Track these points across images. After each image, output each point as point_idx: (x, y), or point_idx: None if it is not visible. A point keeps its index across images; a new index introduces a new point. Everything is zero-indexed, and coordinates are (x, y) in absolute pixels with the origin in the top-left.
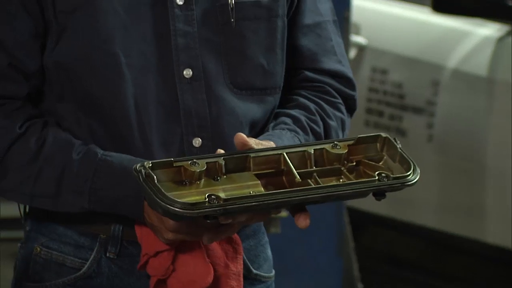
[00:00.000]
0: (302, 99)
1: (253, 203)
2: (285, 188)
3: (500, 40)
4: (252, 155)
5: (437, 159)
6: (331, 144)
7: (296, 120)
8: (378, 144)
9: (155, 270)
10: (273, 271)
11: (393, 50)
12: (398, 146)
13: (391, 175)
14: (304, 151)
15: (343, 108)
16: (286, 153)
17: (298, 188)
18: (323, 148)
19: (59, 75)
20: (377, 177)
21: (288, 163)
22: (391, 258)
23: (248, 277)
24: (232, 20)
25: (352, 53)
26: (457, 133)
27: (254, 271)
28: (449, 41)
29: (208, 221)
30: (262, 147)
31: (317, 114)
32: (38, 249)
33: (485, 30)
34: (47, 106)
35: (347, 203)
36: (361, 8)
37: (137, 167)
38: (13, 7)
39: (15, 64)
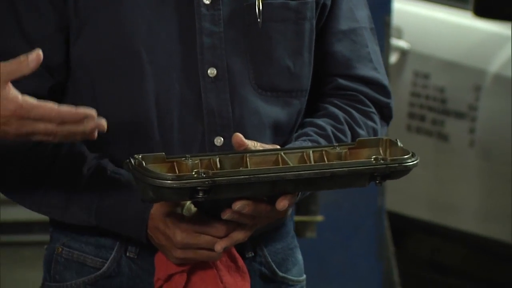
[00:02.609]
0: (331, 108)
1: (243, 176)
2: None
3: None
4: (248, 154)
5: (479, 164)
6: (331, 147)
7: (321, 130)
8: (381, 148)
9: None
10: (304, 276)
11: (435, 54)
12: (399, 144)
13: (389, 158)
14: (303, 152)
15: (376, 117)
16: (283, 153)
17: (291, 166)
18: (323, 150)
19: (79, 72)
20: (373, 160)
21: (286, 161)
22: (433, 264)
23: (275, 280)
24: (259, 20)
25: (394, 57)
26: (499, 138)
27: (281, 274)
28: (491, 46)
29: (197, 197)
30: (260, 148)
31: (345, 124)
32: (60, 249)
33: None
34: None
35: (388, 207)
36: (404, 12)
37: (127, 160)
38: (38, 1)
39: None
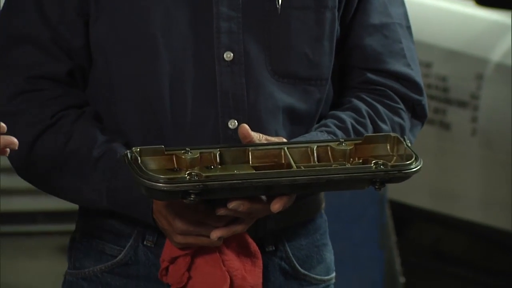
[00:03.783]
0: (356, 101)
1: (235, 181)
2: None
3: None
4: (251, 148)
5: (481, 153)
6: (337, 142)
7: (341, 122)
8: (388, 145)
9: (172, 278)
10: (331, 275)
11: (437, 43)
12: (405, 143)
13: (389, 163)
14: (307, 147)
15: (404, 114)
16: (287, 148)
17: (287, 170)
18: (328, 145)
19: (97, 55)
20: (373, 165)
21: (288, 156)
22: (435, 252)
23: (296, 276)
24: (278, 7)
25: None
26: (501, 127)
27: (303, 271)
28: (493, 35)
29: (189, 199)
30: (265, 142)
31: (367, 117)
32: (80, 237)
33: None
34: (87, 91)
35: (390, 195)
36: (406, 1)
37: (125, 152)
38: None
39: (58, 39)
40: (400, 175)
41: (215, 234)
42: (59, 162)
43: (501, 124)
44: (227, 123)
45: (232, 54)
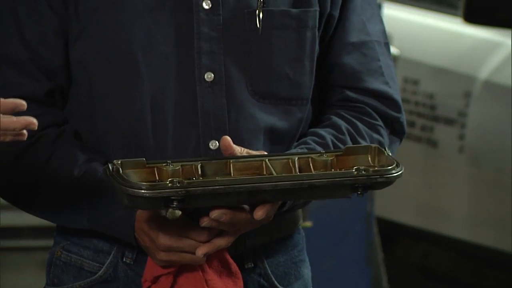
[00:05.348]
0: (335, 118)
1: (218, 187)
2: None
3: None
4: (232, 160)
5: (469, 170)
6: (318, 154)
7: (320, 138)
8: (369, 156)
9: None
10: None
11: (425, 60)
12: (386, 152)
13: (370, 169)
14: (288, 158)
15: (383, 130)
16: (268, 160)
17: (268, 176)
18: (309, 157)
19: (78, 74)
20: (355, 171)
21: (270, 168)
22: (423, 269)
23: None
24: (259, 27)
25: None
26: (488, 144)
27: (280, 287)
28: (481, 52)
29: (172, 207)
30: (246, 154)
31: (347, 134)
32: (59, 252)
33: None
34: (67, 109)
35: (377, 212)
36: (393, 18)
37: (107, 165)
38: (38, 4)
39: (37, 60)
40: (382, 180)
41: (201, 251)
42: (39, 182)
43: (488, 141)
44: (208, 144)
45: (212, 75)
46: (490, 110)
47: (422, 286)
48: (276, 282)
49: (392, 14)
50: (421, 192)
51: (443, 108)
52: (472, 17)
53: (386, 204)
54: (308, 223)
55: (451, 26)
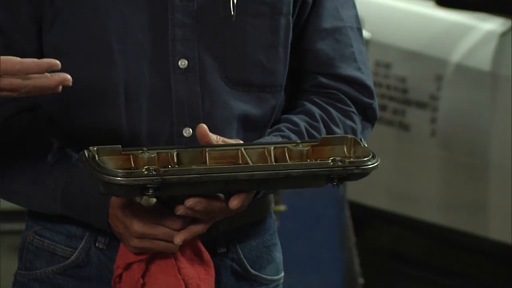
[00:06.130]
0: (309, 105)
1: (194, 175)
2: None
3: (504, 35)
4: (208, 149)
5: (440, 154)
6: (294, 144)
7: (294, 125)
8: (345, 146)
9: (126, 285)
10: (281, 274)
11: (397, 44)
12: (362, 144)
13: (346, 160)
14: (264, 148)
15: (356, 117)
16: (244, 149)
17: (245, 165)
18: (285, 147)
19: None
20: (331, 162)
21: (245, 157)
22: (394, 253)
23: (247, 277)
24: (233, 14)
25: None
26: (460, 128)
27: (253, 272)
28: (453, 36)
29: (147, 195)
30: (221, 143)
31: (320, 121)
32: (31, 237)
33: (489, 25)
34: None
35: (349, 196)
36: (365, 2)
37: (82, 151)
38: None
39: (12, 46)
40: (357, 172)
41: (179, 238)
42: (13, 168)
43: (460, 125)
44: (182, 131)
45: (186, 62)
46: (462, 93)
47: (393, 270)
48: (248, 266)
49: None
50: (392, 175)
51: (414, 91)
52: (443, 0)
53: (358, 188)
54: (282, 207)
55: (423, 9)
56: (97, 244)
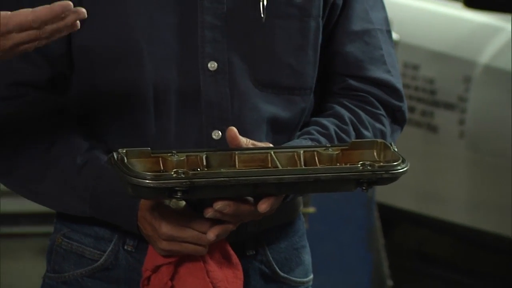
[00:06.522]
0: (338, 108)
1: (222, 178)
2: None
3: None
4: (237, 152)
5: (469, 155)
6: (324, 148)
7: (324, 129)
8: (375, 151)
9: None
10: (310, 277)
11: (425, 45)
12: (392, 149)
13: (376, 164)
14: (294, 151)
15: (385, 119)
16: (273, 152)
17: (274, 169)
18: (315, 150)
19: (81, 61)
20: (360, 166)
21: (275, 161)
22: (422, 255)
23: (276, 279)
24: (263, 16)
25: None
26: (488, 129)
27: (282, 274)
28: (481, 37)
29: (176, 197)
30: (251, 146)
31: (350, 124)
32: (60, 239)
33: None
34: (70, 95)
35: (377, 198)
36: (394, 3)
37: (111, 153)
38: None
39: (40, 48)
40: (387, 176)
41: (212, 233)
42: (41, 168)
43: (488, 126)
44: (211, 134)
45: (216, 64)
46: (490, 95)
47: (421, 271)
48: (277, 269)
49: None
50: (420, 177)
51: (443, 93)
52: (472, 1)
53: (386, 189)
54: (311, 209)
55: (451, 10)
56: (125, 247)
